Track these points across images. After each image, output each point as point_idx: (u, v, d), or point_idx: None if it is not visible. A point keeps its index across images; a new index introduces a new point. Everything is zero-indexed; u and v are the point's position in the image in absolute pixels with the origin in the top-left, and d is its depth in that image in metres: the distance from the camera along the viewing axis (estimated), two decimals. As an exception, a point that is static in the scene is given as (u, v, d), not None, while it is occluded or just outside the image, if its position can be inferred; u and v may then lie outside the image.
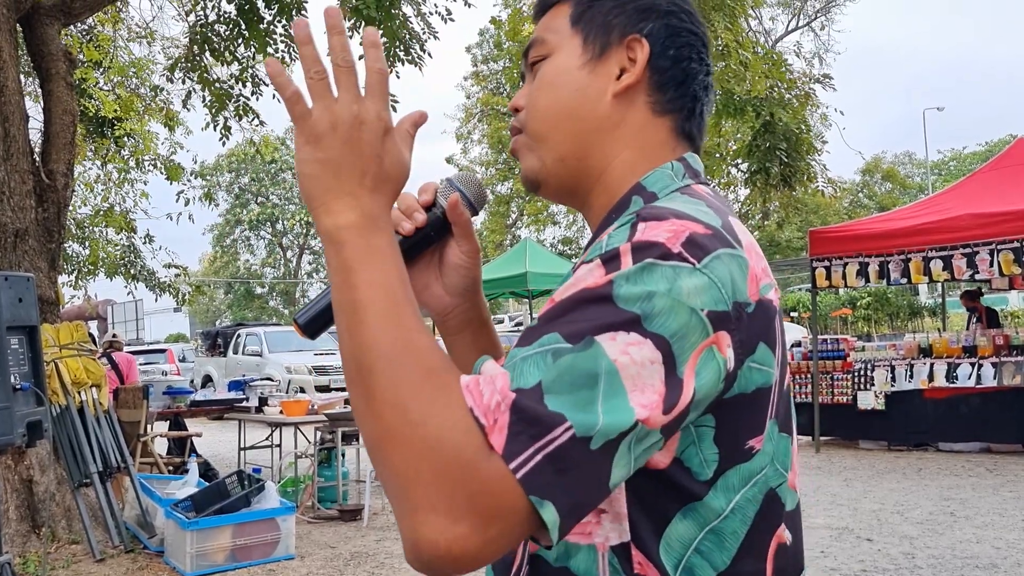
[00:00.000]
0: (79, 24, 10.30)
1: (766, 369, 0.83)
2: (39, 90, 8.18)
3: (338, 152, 0.79)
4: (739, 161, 15.40)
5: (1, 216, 6.37)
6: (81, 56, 10.64)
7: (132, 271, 14.72)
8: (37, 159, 7.21)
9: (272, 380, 13.63)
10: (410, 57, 8.57)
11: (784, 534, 0.90)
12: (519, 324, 22.02)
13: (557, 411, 0.70)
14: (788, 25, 32.21)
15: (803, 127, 11.73)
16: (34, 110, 9.16)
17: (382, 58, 0.84)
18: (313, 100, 0.80)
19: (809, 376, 9.83)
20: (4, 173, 6.44)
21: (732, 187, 19.72)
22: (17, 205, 6.58)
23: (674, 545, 0.81)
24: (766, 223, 26.61)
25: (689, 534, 0.82)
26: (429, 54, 8.69)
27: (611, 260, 0.77)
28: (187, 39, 9.84)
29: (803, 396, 9.79)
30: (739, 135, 15.54)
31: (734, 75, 9.68)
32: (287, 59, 9.09)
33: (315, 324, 0.94)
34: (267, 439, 9.13)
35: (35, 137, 7.87)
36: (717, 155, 15.79)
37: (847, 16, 65.50)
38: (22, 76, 7.60)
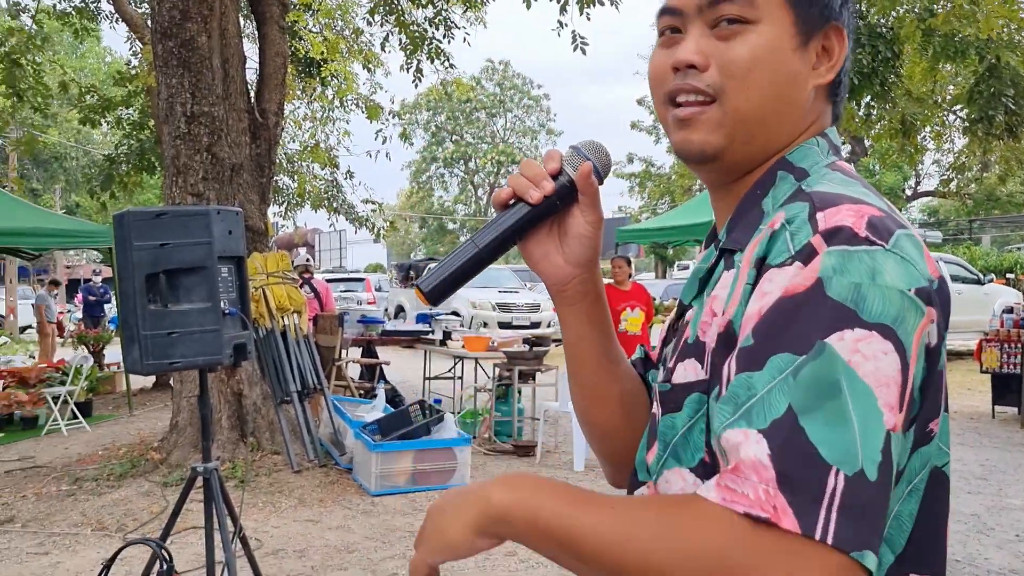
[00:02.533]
0: (292, -31, 10.86)
1: (944, 347, 0.81)
2: (255, 33, 8.75)
3: (433, 514, 0.87)
4: (958, 107, 14.06)
5: (219, 151, 6.92)
6: (292, 0, 11.24)
7: (334, 204, 15.65)
8: (252, 99, 7.76)
9: (458, 315, 14.17)
10: None
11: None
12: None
13: (820, 453, 0.69)
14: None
15: (1034, 72, 10.55)
16: (249, 52, 9.82)
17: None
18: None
19: (1020, 346, 8.99)
20: (223, 111, 6.97)
21: (946, 136, 18.07)
22: (234, 141, 7.13)
23: None
24: (985, 175, 24.29)
25: None
26: None
27: (809, 257, 0.75)
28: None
29: (1011, 368, 8.96)
30: (959, 78, 14.17)
31: (963, 15, 8.80)
32: (479, 2, 9.22)
33: (438, 291, 0.96)
34: (450, 371, 9.53)
35: (250, 77, 8.45)
36: (932, 101, 14.47)
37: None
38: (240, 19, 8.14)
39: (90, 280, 17.95)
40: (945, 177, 24.81)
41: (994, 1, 8.53)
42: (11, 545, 5.15)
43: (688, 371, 0.88)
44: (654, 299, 9.48)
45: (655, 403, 0.92)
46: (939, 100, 15.20)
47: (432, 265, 1.02)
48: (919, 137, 14.25)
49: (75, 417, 9.03)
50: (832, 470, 0.69)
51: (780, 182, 0.89)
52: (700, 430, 0.84)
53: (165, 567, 1.10)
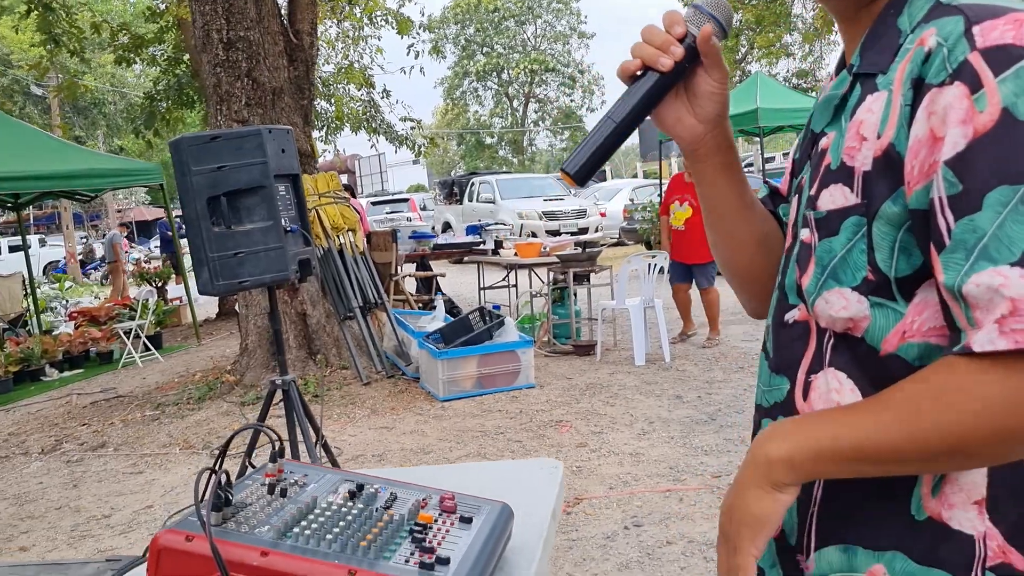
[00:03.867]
0: None
1: None
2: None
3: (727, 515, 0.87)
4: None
5: (259, 76, 6.93)
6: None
7: (373, 125, 15.61)
8: (284, 21, 7.70)
9: (505, 224, 14.19)
10: None
11: None
12: (749, 165, 21.09)
13: None
14: None
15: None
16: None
17: None
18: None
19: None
20: (259, 35, 6.95)
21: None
22: (272, 65, 7.12)
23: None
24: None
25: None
26: None
27: (974, 79, 0.75)
28: None
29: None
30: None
31: None
32: None
33: (584, 171, 0.97)
34: (503, 280, 9.62)
35: (281, 1, 8.37)
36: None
37: None
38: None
39: (162, 218, 18.69)
40: None
41: None
42: (107, 467, 5.45)
43: (836, 196, 0.88)
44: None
45: (806, 229, 0.93)
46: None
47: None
48: None
49: (147, 349, 9.37)
50: None
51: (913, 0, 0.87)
52: (860, 250, 0.85)
53: (278, 447, 1.17)
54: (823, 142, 0.93)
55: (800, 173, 1.01)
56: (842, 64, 0.97)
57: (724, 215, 1.10)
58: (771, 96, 12.31)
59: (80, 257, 24.09)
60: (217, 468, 1.01)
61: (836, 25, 0.98)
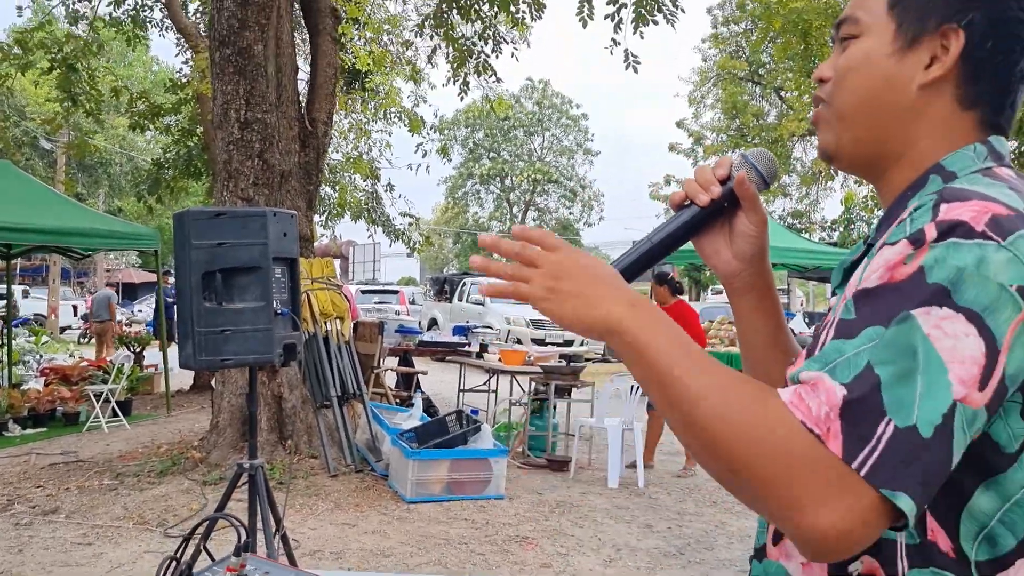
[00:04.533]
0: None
1: None
2: (304, 43, 8.90)
3: (588, 262, 0.94)
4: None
5: (271, 158, 7.05)
6: (343, 12, 11.44)
7: (373, 216, 15.81)
8: (302, 108, 7.89)
9: (492, 328, 14.20)
10: (664, 15, 8.53)
11: None
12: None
13: (883, 400, 0.76)
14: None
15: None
16: (300, 62, 9.99)
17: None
18: (536, 264, 0.95)
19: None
20: (275, 119, 7.11)
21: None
22: (284, 148, 7.26)
23: (977, 516, 0.85)
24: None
25: (993, 506, 0.85)
26: (682, 9, 8.58)
27: (917, 240, 0.81)
28: (438, -2, 10.31)
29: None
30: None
31: None
32: (528, 19, 9.31)
33: (627, 273, 1.05)
34: (484, 384, 9.55)
35: (301, 88, 8.61)
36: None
37: None
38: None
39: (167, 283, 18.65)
40: None
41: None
42: (56, 534, 5.25)
43: None
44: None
45: None
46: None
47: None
48: None
49: (115, 415, 9.18)
50: (885, 418, 0.76)
51: (930, 184, 0.93)
52: None
53: (243, 541, 1.13)
54: (832, 301, 1.02)
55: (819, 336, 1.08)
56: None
57: (755, 350, 1.18)
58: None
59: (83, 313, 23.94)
60: (179, 556, 0.98)
61: (837, 173, 1.07)
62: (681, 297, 7.84)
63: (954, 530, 0.85)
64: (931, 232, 0.80)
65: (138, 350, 12.50)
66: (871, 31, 0.98)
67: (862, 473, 0.76)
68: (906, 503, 0.75)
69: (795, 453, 0.77)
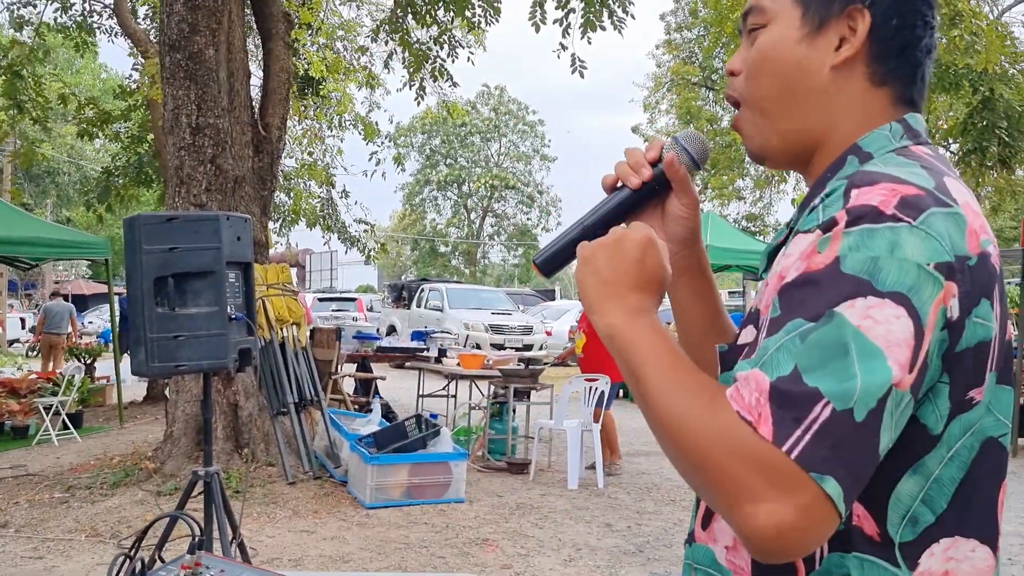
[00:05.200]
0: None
1: (987, 324, 0.86)
2: (257, 48, 8.82)
3: (604, 265, 0.95)
4: (950, 140, 14.28)
5: (223, 163, 6.97)
6: (296, 17, 11.35)
7: (328, 223, 15.68)
8: (255, 113, 7.81)
9: (451, 334, 14.18)
10: (612, 21, 8.59)
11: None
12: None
13: (814, 387, 0.77)
14: (1019, -8, 29.19)
15: (1027, 104, 10.71)
16: (253, 67, 9.89)
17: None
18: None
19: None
20: (228, 124, 7.03)
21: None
22: (238, 154, 7.18)
23: (904, 500, 0.86)
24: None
25: (917, 488, 0.86)
26: (632, 16, 8.63)
27: (829, 229, 0.82)
28: (392, 1, 10.28)
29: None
30: (952, 112, 14.37)
31: (963, 46, 8.93)
32: (483, 24, 9.33)
33: (550, 264, 1.08)
34: (443, 389, 9.53)
35: (254, 94, 8.52)
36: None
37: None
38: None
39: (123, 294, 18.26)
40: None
41: (992, 34, 8.68)
42: (6, 549, 5.13)
43: (746, 335, 0.98)
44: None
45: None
46: (932, 132, 15.40)
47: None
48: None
49: (66, 428, 8.98)
50: (823, 401, 0.76)
51: (847, 166, 0.95)
52: None
53: (197, 539, 1.12)
54: (759, 286, 1.02)
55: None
56: None
57: (691, 333, 1.17)
58: (721, 235, 12.72)
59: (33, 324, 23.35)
60: (133, 554, 0.97)
61: (790, 176, 1.08)
62: None
63: (882, 515, 0.86)
64: (841, 218, 0.81)
65: (89, 361, 12.24)
66: (778, 19, 0.98)
67: (792, 455, 0.75)
68: (832, 487, 0.75)
69: (735, 444, 0.78)
